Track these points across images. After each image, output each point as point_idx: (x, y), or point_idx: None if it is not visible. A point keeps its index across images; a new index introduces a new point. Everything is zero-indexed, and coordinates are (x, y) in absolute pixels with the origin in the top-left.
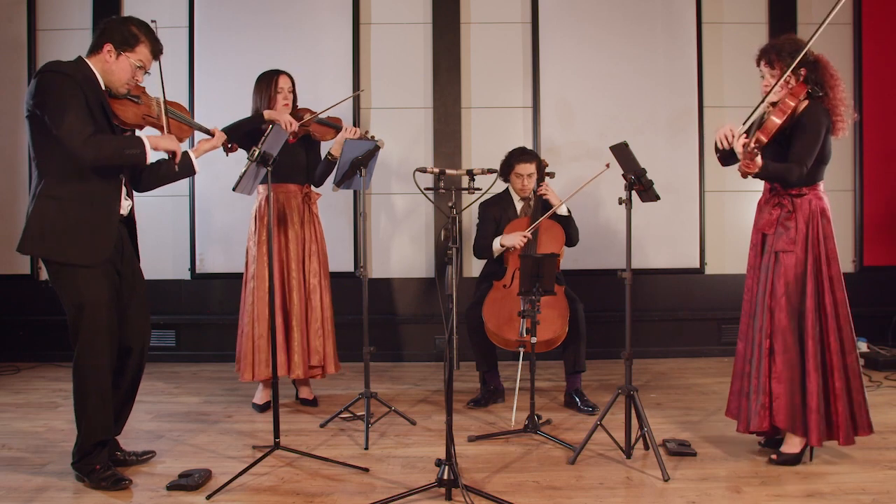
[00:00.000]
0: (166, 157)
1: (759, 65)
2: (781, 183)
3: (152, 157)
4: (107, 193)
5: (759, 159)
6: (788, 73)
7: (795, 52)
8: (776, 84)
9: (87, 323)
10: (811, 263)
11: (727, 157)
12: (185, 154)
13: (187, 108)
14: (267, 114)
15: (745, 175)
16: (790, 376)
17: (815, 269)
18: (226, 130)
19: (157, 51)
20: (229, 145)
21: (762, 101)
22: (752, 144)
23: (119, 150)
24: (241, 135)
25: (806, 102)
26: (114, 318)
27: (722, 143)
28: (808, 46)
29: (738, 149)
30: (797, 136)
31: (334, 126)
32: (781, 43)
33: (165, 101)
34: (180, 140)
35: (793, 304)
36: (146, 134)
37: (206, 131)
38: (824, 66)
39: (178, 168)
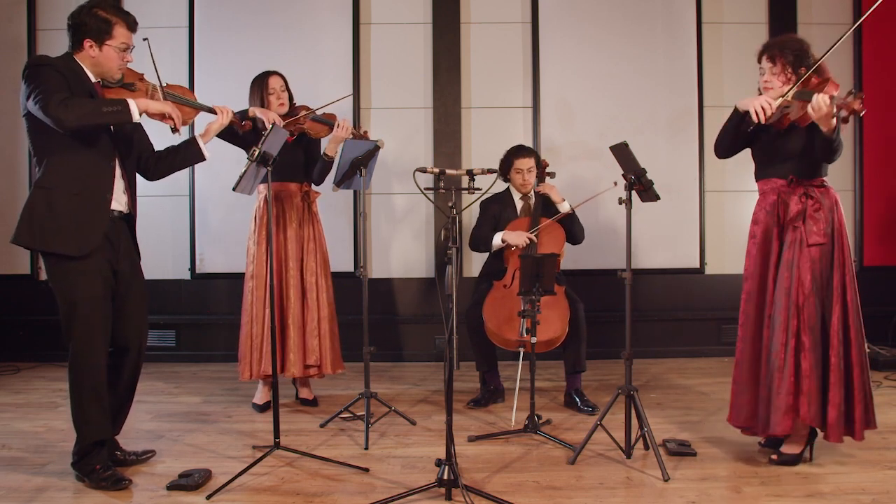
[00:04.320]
0: (173, 146)
1: (760, 60)
2: (829, 155)
3: (137, 117)
4: (97, 185)
5: (834, 119)
6: (805, 75)
7: (799, 51)
8: (793, 87)
9: (80, 321)
10: (838, 255)
11: (742, 142)
12: (193, 140)
13: (191, 92)
14: (251, 111)
15: (831, 133)
16: (819, 374)
17: (840, 261)
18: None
19: (131, 23)
20: (242, 122)
21: (792, 89)
22: (835, 93)
23: (97, 107)
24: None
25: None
26: (108, 317)
27: (759, 115)
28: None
29: (827, 100)
30: None
31: (327, 122)
32: (785, 41)
33: (161, 84)
34: (183, 123)
35: (821, 297)
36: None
37: (209, 110)
38: (823, 73)
39: (177, 132)
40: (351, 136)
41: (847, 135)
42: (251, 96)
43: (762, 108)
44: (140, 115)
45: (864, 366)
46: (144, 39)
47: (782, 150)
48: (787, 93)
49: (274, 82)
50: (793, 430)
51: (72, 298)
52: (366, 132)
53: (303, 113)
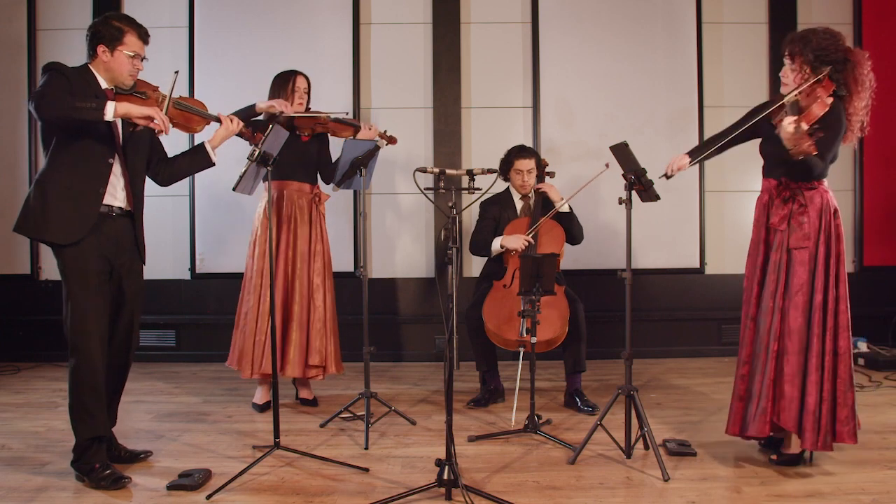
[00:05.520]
0: (183, 151)
1: (783, 53)
2: (804, 175)
3: (110, 116)
4: (89, 180)
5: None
6: (811, 81)
7: (821, 50)
8: (804, 85)
9: (75, 312)
10: (822, 259)
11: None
12: (201, 146)
13: (204, 104)
14: (260, 105)
15: (798, 156)
16: (799, 377)
17: (825, 265)
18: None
19: (143, 35)
20: (254, 133)
21: (793, 92)
22: (804, 125)
23: (71, 103)
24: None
25: (831, 100)
26: (104, 310)
27: (671, 171)
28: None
29: (790, 129)
30: (819, 131)
31: (353, 124)
32: (809, 36)
33: (171, 95)
34: (192, 131)
35: (807, 301)
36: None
37: (214, 119)
38: (852, 69)
39: (160, 135)
40: (378, 138)
41: (854, 144)
42: (274, 90)
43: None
44: (117, 116)
45: (838, 375)
46: (176, 72)
47: (777, 155)
48: (789, 93)
49: (301, 82)
50: (771, 433)
51: (68, 288)
52: (391, 136)
53: (322, 113)
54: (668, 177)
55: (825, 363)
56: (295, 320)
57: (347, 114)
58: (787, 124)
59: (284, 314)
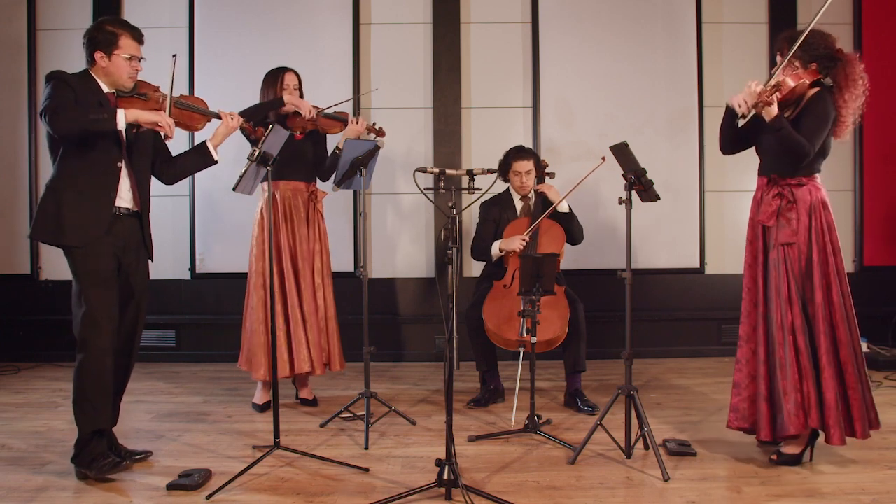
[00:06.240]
0: (185, 150)
1: (775, 51)
2: (790, 153)
3: (122, 125)
4: (101, 184)
5: (774, 107)
6: (788, 58)
7: (809, 44)
8: (779, 67)
9: (88, 317)
10: (817, 255)
11: (738, 138)
12: (203, 144)
13: (204, 101)
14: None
15: (760, 109)
16: (811, 374)
17: (821, 260)
18: (244, 113)
19: (137, 36)
20: (255, 128)
21: (774, 77)
22: (769, 90)
23: (83, 115)
24: (261, 118)
25: (816, 89)
26: (114, 306)
27: (741, 106)
28: (801, 40)
29: (756, 90)
30: (804, 118)
31: (341, 119)
32: (798, 34)
33: (171, 95)
34: (193, 129)
35: (802, 298)
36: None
37: (215, 115)
38: (843, 66)
39: (169, 139)
40: (366, 132)
41: (846, 139)
42: (264, 89)
43: (743, 101)
44: (128, 122)
45: (858, 364)
46: (174, 56)
47: (767, 146)
48: (769, 81)
49: (289, 79)
50: (805, 428)
51: (80, 287)
52: (379, 127)
53: (323, 107)
54: (744, 116)
55: (843, 356)
56: (308, 320)
57: (339, 103)
58: (754, 84)
59: (301, 314)
